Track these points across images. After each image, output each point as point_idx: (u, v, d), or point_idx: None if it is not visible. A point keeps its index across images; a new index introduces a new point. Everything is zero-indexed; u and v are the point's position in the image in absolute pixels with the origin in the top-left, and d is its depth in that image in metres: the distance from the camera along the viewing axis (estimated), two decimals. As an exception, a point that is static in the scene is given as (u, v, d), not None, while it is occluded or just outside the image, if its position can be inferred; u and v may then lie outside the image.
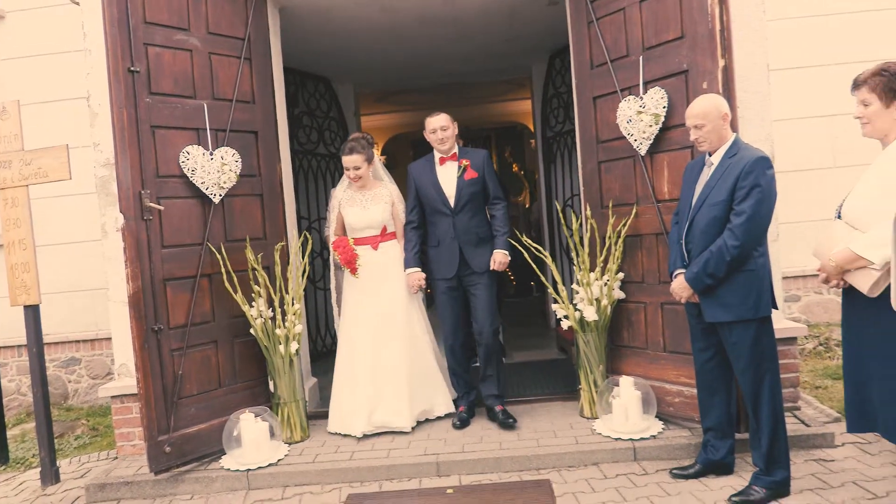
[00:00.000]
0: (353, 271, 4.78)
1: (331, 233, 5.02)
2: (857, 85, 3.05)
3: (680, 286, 3.61)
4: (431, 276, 4.87)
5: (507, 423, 4.58)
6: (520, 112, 11.83)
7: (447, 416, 4.88)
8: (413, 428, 4.70)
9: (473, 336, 4.86)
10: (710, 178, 3.51)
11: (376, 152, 4.97)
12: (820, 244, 3.11)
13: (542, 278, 4.98)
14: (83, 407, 6.90)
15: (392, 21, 6.05)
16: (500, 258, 4.71)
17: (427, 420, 4.84)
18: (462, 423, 4.75)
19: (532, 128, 9.77)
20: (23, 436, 6.02)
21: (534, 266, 4.89)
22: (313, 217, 7.40)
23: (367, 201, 4.83)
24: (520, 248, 4.72)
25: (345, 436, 4.69)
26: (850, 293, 3.05)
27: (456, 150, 4.82)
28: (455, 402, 4.95)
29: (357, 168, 4.74)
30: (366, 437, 4.63)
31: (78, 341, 7.01)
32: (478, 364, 4.89)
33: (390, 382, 4.69)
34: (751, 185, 3.34)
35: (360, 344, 4.75)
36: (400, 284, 4.82)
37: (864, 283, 2.91)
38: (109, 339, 6.90)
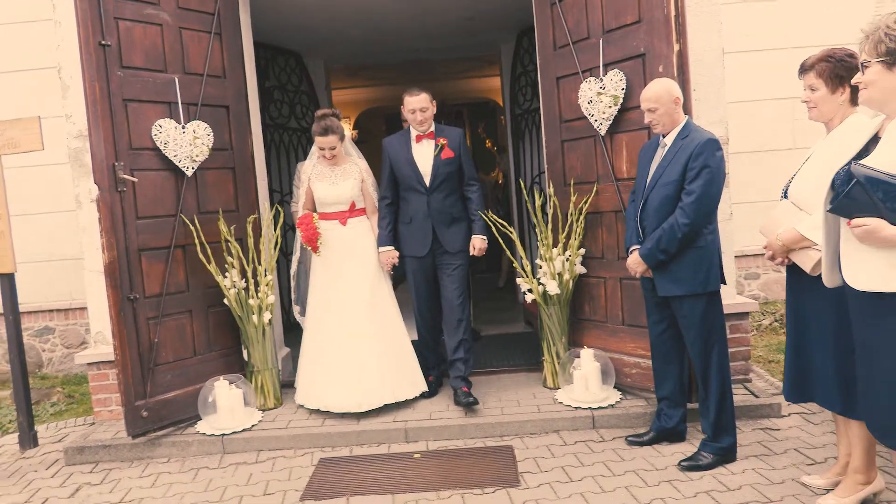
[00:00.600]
0: (315, 250, 4.73)
1: (299, 207, 5.01)
2: (804, 70, 3.19)
3: (635, 261, 3.80)
4: (402, 254, 4.83)
5: (468, 401, 4.54)
6: (491, 88, 11.91)
7: (416, 398, 4.81)
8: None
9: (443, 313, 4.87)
10: (662, 159, 3.69)
11: (347, 127, 5.01)
12: (766, 223, 3.29)
13: (509, 254, 5.13)
14: (58, 375, 6.97)
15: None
16: (479, 244, 4.76)
17: (396, 403, 4.69)
18: (430, 393, 4.87)
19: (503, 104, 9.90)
20: (-2, 403, 6.10)
21: (501, 242, 4.93)
22: (285, 191, 7.46)
23: (336, 177, 4.80)
24: (489, 223, 4.80)
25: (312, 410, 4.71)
26: (794, 270, 3.23)
27: (433, 127, 4.78)
28: (424, 371, 4.93)
29: (333, 148, 4.71)
30: (331, 414, 4.61)
31: (52, 310, 7.04)
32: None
33: (358, 361, 4.62)
34: (700, 166, 3.52)
35: (328, 320, 4.72)
36: (368, 261, 4.80)
37: (806, 262, 3.10)
38: (83, 308, 6.99)
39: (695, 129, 3.68)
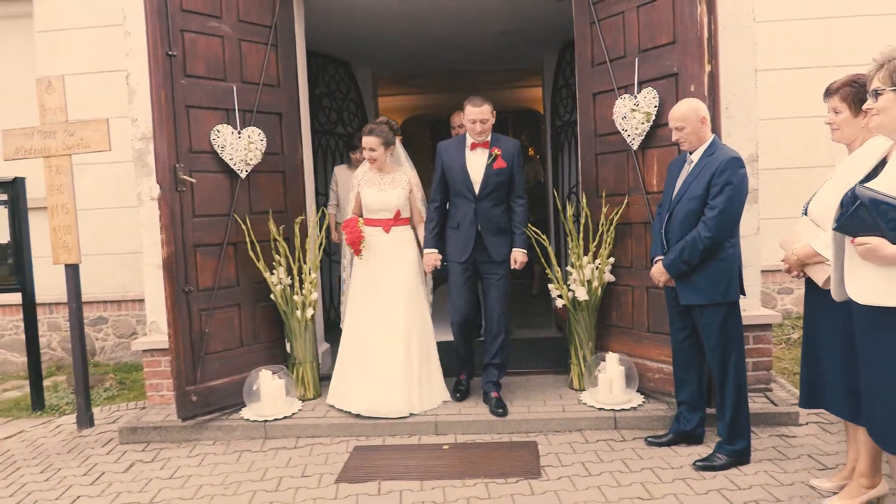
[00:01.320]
0: (357, 252, 4.85)
1: (348, 211, 5.13)
2: (829, 93, 3.37)
3: (658, 271, 4.00)
4: (446, 258, 4.90)
5: (498, 412, 4.64)
6: (533, 98, 12.12)
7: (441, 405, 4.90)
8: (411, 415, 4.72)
9: (479, 316, 5.02)
10: (688, 175, 3.88)
11: (398, 137, 5.15)
12: (785, 237, 3.48)
13: (543, 262, 5.31)
14: (109, 363, 7.36)
15: (408, 10, 6.40)
16: (520, 258, 4.80)
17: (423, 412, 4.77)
18: (462, 394, 4.99)
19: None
20: (54, 387, 6.50)
21: (538, 251, 5.10)
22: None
23: (384, 184, 4.91)
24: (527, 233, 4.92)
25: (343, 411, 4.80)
26: (810, 284, 3.40)
27: (489, 137, 4.80)
28: (456, 370, 5.07)
29: (372, 150, 4.82)
30: (361, 417, 4.70)
31: (106, 301, 7.43)
32: (482, 338, 5.09)
33: (389, 370, 4.73)
34: (724, 183, 3.71)
35: (363, 326, 4.85)
36: (407, 270, 4.90)
37: (819, 276, 3.28)
38: (135, 300, 7.40)
39: (720, 147, 3.87)
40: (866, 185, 2.56)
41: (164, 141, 4.47)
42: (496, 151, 4.75)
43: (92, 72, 7.08)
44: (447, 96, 11.48)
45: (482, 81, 10.63)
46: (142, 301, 7.40)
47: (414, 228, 5.05)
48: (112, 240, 7.12)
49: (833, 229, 2.68)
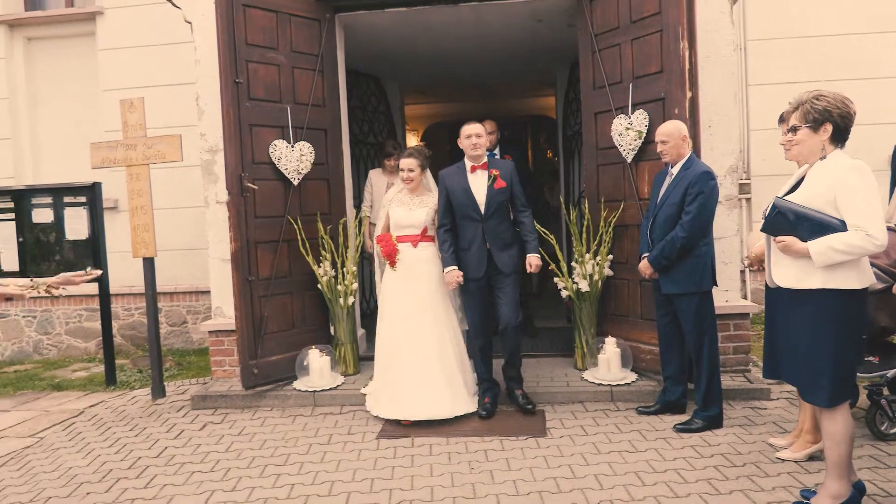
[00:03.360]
0: (393, 264, 5.21)
1: (378, 224, 5.54)
2: (784, 119, 4.12)
3: (644, 266, 4.79)
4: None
5: (527, 408, 5.05)
6: (549, 106, 12.83)
7: (466, 416, 5.08)
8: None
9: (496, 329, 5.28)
10: (669, 185, 4.68)
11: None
12: (749, 238, 4.26)
13: (547, 259, 6.06)
14: (163, 348, 8.22)
15: (432, 35, 7.22)
16: (535, 262, 5.13)
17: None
18: (488, 413, 5.09)
19: (560, 121, 10.87)
20: (121, 367, 7.39)
21: (544, 253, 5.63)
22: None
23: (413, 204, 5.27)
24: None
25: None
26: None
27: (486, 159, 5.15)
28: (480, 393, 5.26)
29: (411, 170, 5.20)
30: (398, 422, 5.00)
31: (159, 293, 8.19)
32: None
33: (421, 377, 5.03)
34: (697, 192, 4.50)
35: (396, 337, 5.15)
36: (435, 282, 5.20)
37: None
38: (185, 292, 8.31)
39: (696, 162, 4.66)
40: (784, 197, 3.35)
41: (233, 154, 5.34)
42: (494, 172, 5.07)
43: (150, 86, 7.90)
44: (468, 104, 12.33)
45: (501, 91, 11.43)
46: (191, 293, 8.36)
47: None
48: (164, 238, 7.79)
49: (760, 230, 3.46)
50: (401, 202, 5.33)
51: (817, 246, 3.20)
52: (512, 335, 5.09)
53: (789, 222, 3.28)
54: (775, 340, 3.84)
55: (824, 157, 3.34)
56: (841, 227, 3.19)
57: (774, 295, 3.58)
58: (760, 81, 7.97)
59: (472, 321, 5.22)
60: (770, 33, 7.97)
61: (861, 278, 3.28)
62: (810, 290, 3.28)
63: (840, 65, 7.83)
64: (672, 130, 4.67)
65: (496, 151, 6.88)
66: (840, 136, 3.33)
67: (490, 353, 5.27)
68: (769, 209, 3.36)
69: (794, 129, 3.38)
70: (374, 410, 5.22)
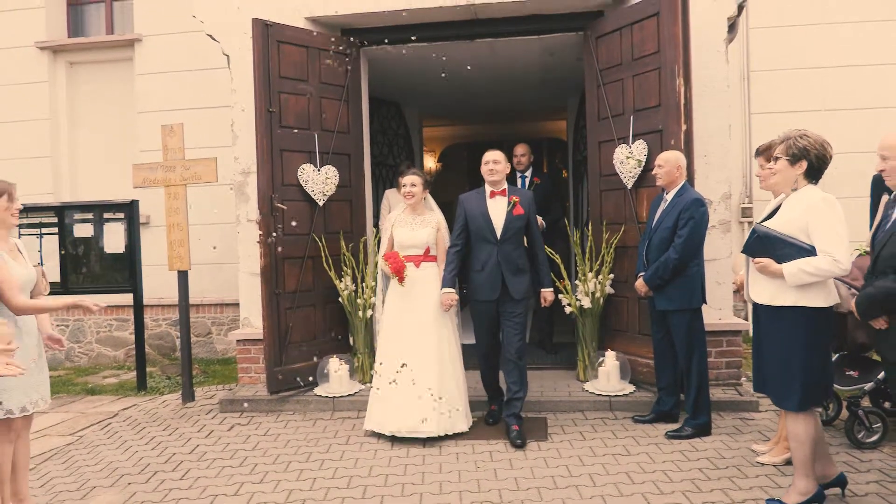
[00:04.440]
0: (401, 280, 5.24)
1: (382, 246, 5.56)
2: (761, 152, 4.53)
3: (640, 284, 5.19)
4: (473, 298, 5.29)
5: (517, 443, 4.99)
6: (562, 129, 13.31)
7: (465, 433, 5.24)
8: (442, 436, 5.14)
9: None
10: (663, 210, 5.10)
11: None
12: (735, 261, 4.65)
13: (553, 278, 6.45)
14: (192, 356, 8.69)
15: (450, 66, 7.69)
16: (549, 297, 5.35)
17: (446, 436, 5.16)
18: (495, 420, 5.45)
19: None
20: (150, 374, 7.85)
21: (553, 277, 6.15)
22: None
23: (416, 224, 5.37)
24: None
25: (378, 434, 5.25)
26: None
27: (505, 185, 5.25)
28: (487, 399, 5.57)
29: (413, 185, 5.32)
30: (395, 438, 5.17)
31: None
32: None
33: (420, 394, 5.13)
34: (688, 218, 4.91)
35: (397, 353, 5.24)
36: (436, 302, 5.26)
37: None
38: (211, 304, 8.74)
39: (688, 190, 5.07)
40: (762, 223, 3.76)
41: (265, 177, 5.83)
42: (514, 199, 5.19)
43: (183, 109, 8.38)
44: (484, 127, 12.82)
45: (516, 115, 11.90)
46: (216, 305, 8.80)
47: (441, 265, 5.39)
48: (191, 253, 8.37)
49: (741, 252, 3.87)
50: (403, 222, 5.41)
51: (790, 268, 3.59)
52: (514, 368, 5.17)
53: (766, 246, 3.68)
54: (760, 355, 4.16)
55: (796, 188, 3.74)
56: (811, 251, 3.59)
57: (757, 311, 3.92)
58: (763, 110, 8.38)
59: (480, 345, 5.39)
60: (772, 64, 8.39)
61: (827, 298, 3.68)
62: (784, 306, 3.68)
63: (839, 95, 8.25)
64: (670, 158, 5.09)
65: (527, 174, 7.31)
66: (814, 174, 3.72)
67: (497, 364, 5.44)
68: (750, 233, 3.77)
69: (776, 159, 3.79)
70: (376, 428, 5.25)
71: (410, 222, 5.40)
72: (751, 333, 4.59)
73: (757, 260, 3.74)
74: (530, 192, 5.75)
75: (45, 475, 4.85)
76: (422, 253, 5.36)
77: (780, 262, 3.65)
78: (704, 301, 5.10)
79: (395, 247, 5.41)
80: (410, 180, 5.36)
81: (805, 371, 3.66)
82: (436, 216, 5.47)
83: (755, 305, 4.06)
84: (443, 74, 7.78)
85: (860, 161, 7.05)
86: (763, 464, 4.49)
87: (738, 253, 4.58)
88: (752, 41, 8.48)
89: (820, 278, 3.58)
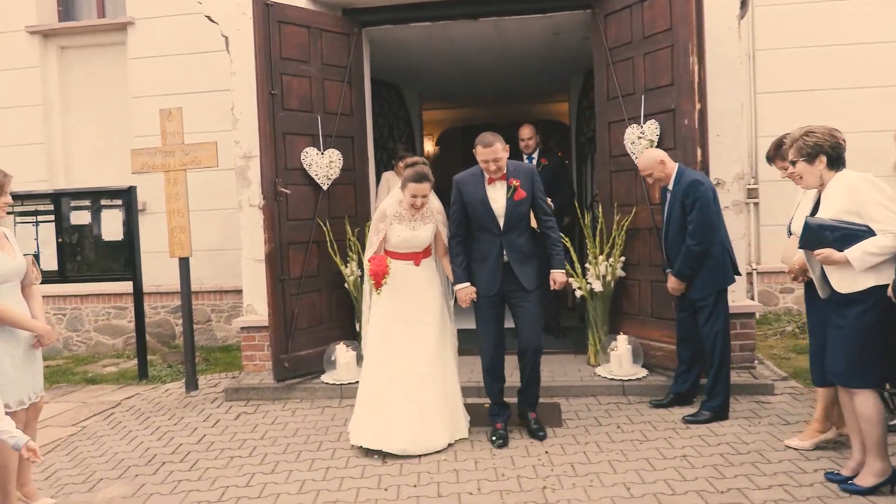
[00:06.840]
0: (378, 286, 4.78)
1: (371, 245, 4.96)
2: (772, 158, 4.51)
3: (673, 283, 5.07)
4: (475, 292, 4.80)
5: (538, 434, 4.77)
6: (561, 112, 13.17)
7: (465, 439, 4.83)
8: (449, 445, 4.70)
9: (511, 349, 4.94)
10: (669, 203, 5.03)
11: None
12: (784, 254, 4.49)
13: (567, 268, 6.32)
14: (187, 345, 8.57)
15: (454, 47, 7.56)
16: (560, 279, 4.83)
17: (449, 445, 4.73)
18: (503, 440, 4.72)
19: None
20: (151, 363, 7.72)
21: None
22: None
23: (416, 222, 4.83)
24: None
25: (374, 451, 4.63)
26: (810, 284, 4.26)
27: (505, 170, 4.70)
28: (492, 416, 4.90)
29: (424, 196, 4.74)
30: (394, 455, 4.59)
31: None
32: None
33: (421, 402, 4.69)
34: (693, 201, 4.83)
35: (392, 358, 4.76)
36: (436, 302, 4.89)
37: None
38: (210, 291, 8.62)
39: (684, 174, 4.95)
40: (813, 216, 3.69)
41: (267, 161, 5.69)
42: (514, 183, 4.66)
43: (178, 93, 8.15)
44: (481, 110, 12.68)
45: (514, 97, 11.75)
46: (215, 292, 8.68)
47: (441, 259, 5.02)
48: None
49: (799, 247, 3.79)
50: (401, 218, 4.84)
51: (854, 252, 3.54)
52: (532, 360, 4.79)
53: (822, 237, 3.61)
54: (823, 346, 4.03)
55: (823, 183, 3.72)
56: (867, 233, 3.55)
57: (823, 303, 3.86)
58: (768, 90, 8.26)
59: (484, 342, 4.84)
60: (778, 43, 8.25)
61: None
62: (864, 289, 3.60)
63: (846, 73, 8.12)
64: (647, 163, 5.02)
65: (534, 155, 7.19)
66: (835, 162, 3.71)
67: (502, 373, 4.93)
68: (804, 229, 3.67)
69: (793, 163, 3.76)
70: (354, 439, 4.75)
71: (409, 218, 4.84)
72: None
73: (817, 252, 3.66)
74: (531, 164, 5.55)
75: (49, 467, 4.73)
76: (422, 250, 4.90)
77: (839, 250, 3.58)
78: (736, 275, 5.08)
79: (390, 246, 4.88)
80: (422, 191, 4.68)
81: (881, 350, 3.65)
82: (433, 204, 4.92)
83: (815, 299, 4.00)
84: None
85: (874, 139, 6.90)
86: (789, 447, 4.40)
87: (789, 241, 4.40)
88: (758, 19, 8.34)
89: (886, 256, 3.54)
